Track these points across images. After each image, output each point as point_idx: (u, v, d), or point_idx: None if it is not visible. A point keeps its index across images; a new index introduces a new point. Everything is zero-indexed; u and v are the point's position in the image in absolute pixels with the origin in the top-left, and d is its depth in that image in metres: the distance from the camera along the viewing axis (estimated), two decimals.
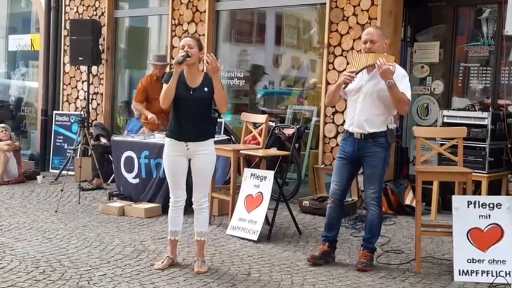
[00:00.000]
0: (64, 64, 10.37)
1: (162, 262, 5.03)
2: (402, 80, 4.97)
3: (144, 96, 7.93)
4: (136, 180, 7.26)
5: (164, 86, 4.87)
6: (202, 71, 5.09)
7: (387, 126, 5.08)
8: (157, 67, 8.04)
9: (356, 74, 4.95)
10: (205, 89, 4.85)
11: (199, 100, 4.83)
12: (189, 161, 4.95)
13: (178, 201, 5.03)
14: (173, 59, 5.07)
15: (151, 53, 9.34)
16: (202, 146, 4.89)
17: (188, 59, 4.79)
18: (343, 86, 5.03)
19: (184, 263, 5.15)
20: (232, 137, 8.04)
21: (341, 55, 7.37)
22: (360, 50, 5.23)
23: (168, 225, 5.12)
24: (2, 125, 9.35)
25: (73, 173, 8.77)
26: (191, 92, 4.84)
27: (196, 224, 5.04)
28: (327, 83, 7.38)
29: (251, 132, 6.82)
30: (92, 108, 10.00)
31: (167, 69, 8.57)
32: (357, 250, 5.41)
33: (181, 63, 4.75)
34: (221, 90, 4.87)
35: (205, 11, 8.62)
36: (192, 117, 4.85)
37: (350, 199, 7.06)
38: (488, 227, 4.87)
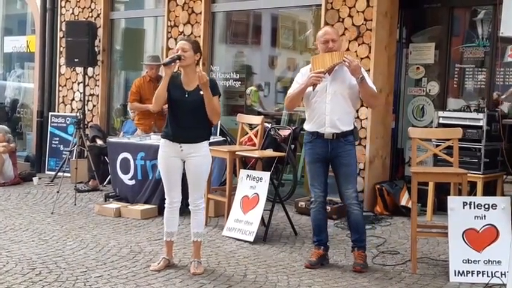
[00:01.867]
0: (60, 66, 10.35)
1: (158, 263, 5.03)
2: (364, 74, 5.00)
3: (138, 97, 7.93)
4: (132, 182, 7.26)
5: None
6: None
7: (354, 124, 5.15)
8: (152, 68, 8.04)
9: (325, 73, 4.95)
10: (201, 93, 4.82)
11: (194, 103, 4.82)
12: (184, 162, 4.96)
13: (174, 202, 5.04)
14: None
15: (147, 55, 9.34)
16: (196, 148, 4.89)
17: (178, 61, 4.80)
18: (312, 87, 4.99)
19: (180, 264, 5.15)
20: (228, 138, 8.04)
21: None
22: (318, 53, 5.20)
23: (164, 226, 5.12)
24: (0, 126, 9.35)
25: (68, 174, 8.77)
26: (186, 95, 4.86)
27: (192, 225, 5.05)
28: None
29: (247, 133, 6.83)
30: (88, 110, 9.99)
31: (161, 70, 8.58)
32: None
33: (166, 65, 4.77)
34: (211, 101, 4.81)
35: (200, 13, 8.62)
36: (186, 119, 4.86)
37: None
38: (484, 228, 4.89)
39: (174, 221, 5.09)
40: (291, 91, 5.18)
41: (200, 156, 4.92)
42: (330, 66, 4.96)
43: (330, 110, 5.01)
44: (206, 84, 4.73)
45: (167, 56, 8.83)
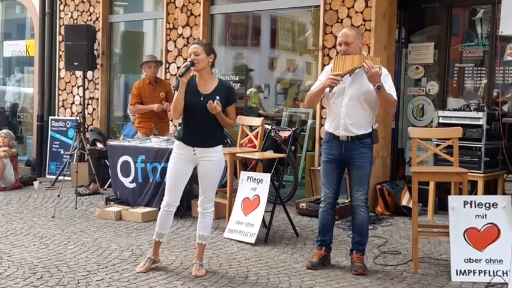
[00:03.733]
0: (59, 69, 10.37)
1: (144, 264, 5.02)
2: (386, 79, 4.92)
3: (139, 99, 7.93)
4: (133, 185, 7.26)
5: (176, 94, 4.86)
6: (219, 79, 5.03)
7: (372, 127, 5.08)
8: (150, 66, 7.99)
9: (342, 77, 4.90)
10: (217, 97, 4.76)
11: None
12: (196, 166, 4.93)
13: (171, 206, 4.98)
14: (169, 63, 5.05)
15: (144, 55, 9.32)
16: (209, 153, 4.86)
17: (193, 67, 4.77)
18: (328, 89, 4.98)
19: (182, 266, 5.15)
20: (228, 140, 8.04)
21: None
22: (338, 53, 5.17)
23: (156, 226, 5.09)
24: (4, 131, 9.37)
25: (69, 178, 8.77)
26: (201, 98, 4.80)
27: (199, 227, 5.02)
28: None
29: (247, 135, 6.83)
30: (88, 113, 9.99)
31: (160, 70, 8.58)
32: None
33: (182, 76, 4.74)
34: (225, 122, 4.87)
35: (199, 15, 8.63)
36: (201, 123, 4.82)
37: (347, 201, 7.06)
38: (485, 227, 4.89)
39: (167, 224, 5.06)
40: (312, 88, 5.16)
41: (212, 160, 4.87)
42: (349, 69, 4.91)
43: (344, 114, 4.97)
44: (219, 112, 4.74)
45: (167, 59, 8.87)
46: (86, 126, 9.63)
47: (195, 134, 4.84)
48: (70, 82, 10.30)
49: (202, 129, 4.82)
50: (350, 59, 4.92)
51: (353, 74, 4.98)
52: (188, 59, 4.83)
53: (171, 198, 4.98)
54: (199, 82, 4.88)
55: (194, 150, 4.85)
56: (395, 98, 4.99)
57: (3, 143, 9.06)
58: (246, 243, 5.87)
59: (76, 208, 7.48)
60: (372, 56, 4.81)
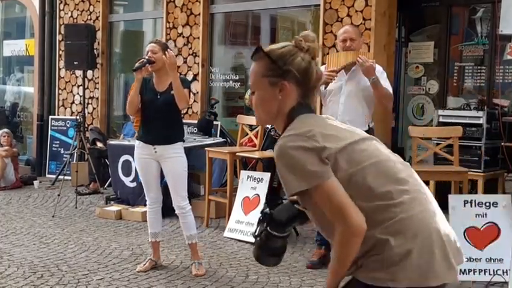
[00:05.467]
0: (59, 69, 10.36)
1: (144, 264, 5.04)
2: (381, 76, 4.95)
3: None
4: (133, 184, 7.26)
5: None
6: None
7: (369, 125, 5.09)
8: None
9: (337, 72, 4.92)
10: (171, 92, 4.81)
11: (164, 104, 4.83)
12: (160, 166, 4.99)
13: (153, 202, 5.06)
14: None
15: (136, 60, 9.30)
16: (169, 150, 4.90)
17: (148, 64, 4.82)
18: (323, 86, 4.97)
19: (182, 266, 5.15)
20: (228, 139, 8.04)
21: None
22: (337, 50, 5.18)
23: (148, 227, 5.12)
24: (6, 130, 9.37)
25: (69, 177, 8.77)
26: (158, 96, 4.88)
27: (183, 228, 5.05)
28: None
29: (247, 134, 6.83)
30: (88, 113, 9.98)
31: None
32: None
33: (135, 70, 4.81)
34: (179, 87, 4.75)
35: (199, 14, 8.62)
36: (158, 121, 4.87)
37: None
38: (485, 226, 4.88)
39: (157, 221, 5.10)
40: None
41: (174, 157, 4.90)
42: (343, 65, 4.93)
43: (342, 111, 4.97)
44: (173, 66, 4.73)
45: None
46: (86, 125, 9.62)
47: (154, 132, 4.89)
48: (69, 81, 10.29)
49: (160, 127, 4.87)
50: (343, 55, 4.97)
51: (349, 71, 5.00)
52: (145, 57, 4.89)
53: (150, 196, 5.06)
54: (156, 81, 4.94)
55: (155, 148, 4.90)
56: (391, 92, 5.03)
57: (6, 142, 9.08)
58: (246, 242, 5.87)
59: (76, 207, 7.48)
60: (365, 52, 4.85)
